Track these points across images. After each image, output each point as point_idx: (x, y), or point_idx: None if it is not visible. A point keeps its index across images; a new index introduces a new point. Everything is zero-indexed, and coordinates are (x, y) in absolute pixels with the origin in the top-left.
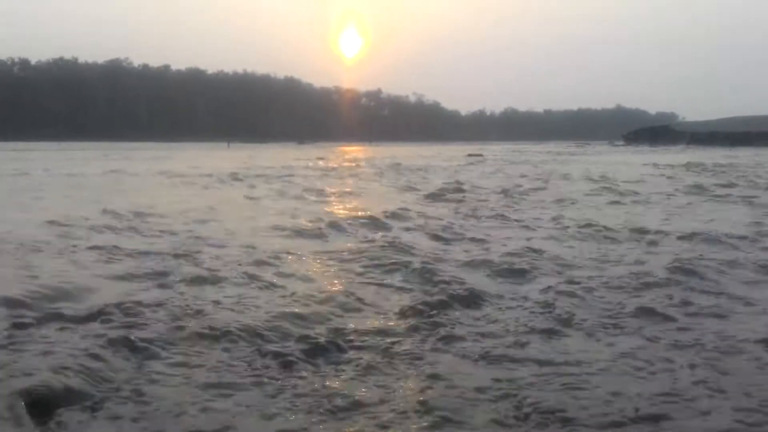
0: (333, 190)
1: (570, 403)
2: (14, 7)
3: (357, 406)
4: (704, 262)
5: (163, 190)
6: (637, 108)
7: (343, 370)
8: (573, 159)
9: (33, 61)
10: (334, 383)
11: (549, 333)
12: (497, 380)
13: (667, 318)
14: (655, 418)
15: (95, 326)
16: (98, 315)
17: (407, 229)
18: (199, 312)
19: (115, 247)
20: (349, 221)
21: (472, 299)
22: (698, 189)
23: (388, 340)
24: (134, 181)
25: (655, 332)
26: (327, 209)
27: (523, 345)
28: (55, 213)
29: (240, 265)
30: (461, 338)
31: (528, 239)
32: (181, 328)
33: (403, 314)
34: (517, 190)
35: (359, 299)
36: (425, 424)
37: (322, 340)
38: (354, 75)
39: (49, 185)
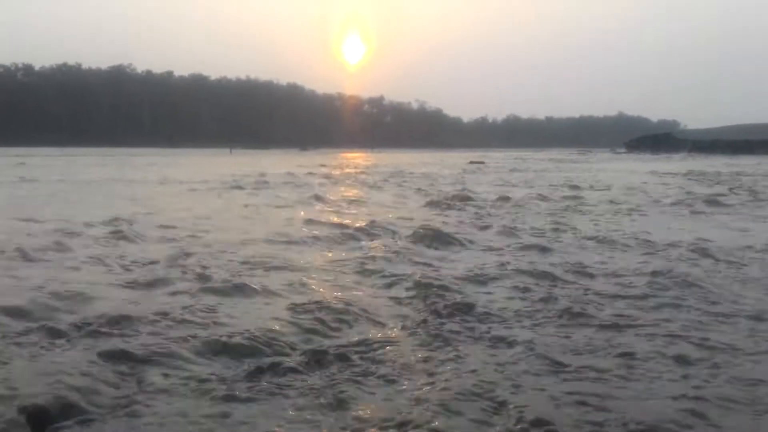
0: (335, 198)
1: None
2: (18, 13)
3: (360, 421)
4: None
5: (164, 198)
6: (639, 115)
7: (345, 382)
8: (576, 167)
9: (37, 66)
10: (336, 395)
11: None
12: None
13: None
14: None
15: (92, 338)
16: (95, 326)
17: (409, 237)
18: (198, 323)
19: (114, 255)
20: (351, 229)
21: (475, 309)
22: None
23: (390, 350)
24: (136, 188)
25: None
26: (329, 218)
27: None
28: (55, 219)
29: (240, 274)
30: (463, 349)
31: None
32: (180, 339)
33: (405, 325)
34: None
35: (360, 309)
36: None
37: (322, 351)
38: (357, 82)
39: (46, 191)
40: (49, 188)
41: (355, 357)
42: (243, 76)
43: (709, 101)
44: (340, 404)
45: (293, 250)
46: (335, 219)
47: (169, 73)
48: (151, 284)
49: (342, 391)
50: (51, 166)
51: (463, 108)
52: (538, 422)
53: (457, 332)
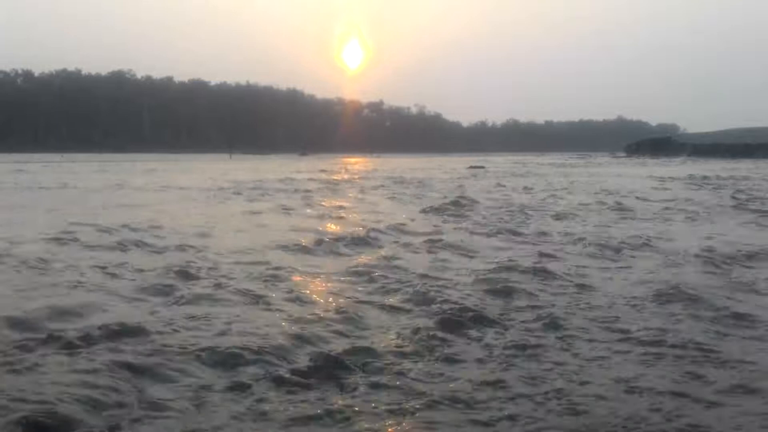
0: (336, 204)
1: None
2: (18, 19)
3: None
4: None
5: (165, 205)
6: (639, 119)
7: (349, 392)
8: (576, 171)
9: (36, 72)
10: (341, 406)
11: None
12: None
13: None
14: None
15: (95, 348)
16: (98, 336)
17: (409, 245)
18: (202, 334)
19: (115, 264)
20: (351, 236)
21: (476, 318)
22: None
23: (393, 360)
24: (136, 195)
25: None
26: (330, 225)
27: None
28: (55, 227)
29: (242, 283)
30: (463, 360)
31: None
32: (183, 350)
33: (405, 334)
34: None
35: (361, 318)
36: None
37: (325, 361)
38: (356, 86)
39: (43, 198)
40: (50, 195)
41: (354, 367)
42: (243, 81)
43: (709, 105)
44: (340, 415)
45: (294, 258)
46: (336, 226)
47: (169, 79)
48: (149, 293)
49: (342, 402)
50: (51, 173)
51: (463, 112)
52: None
53: (458, 341)
